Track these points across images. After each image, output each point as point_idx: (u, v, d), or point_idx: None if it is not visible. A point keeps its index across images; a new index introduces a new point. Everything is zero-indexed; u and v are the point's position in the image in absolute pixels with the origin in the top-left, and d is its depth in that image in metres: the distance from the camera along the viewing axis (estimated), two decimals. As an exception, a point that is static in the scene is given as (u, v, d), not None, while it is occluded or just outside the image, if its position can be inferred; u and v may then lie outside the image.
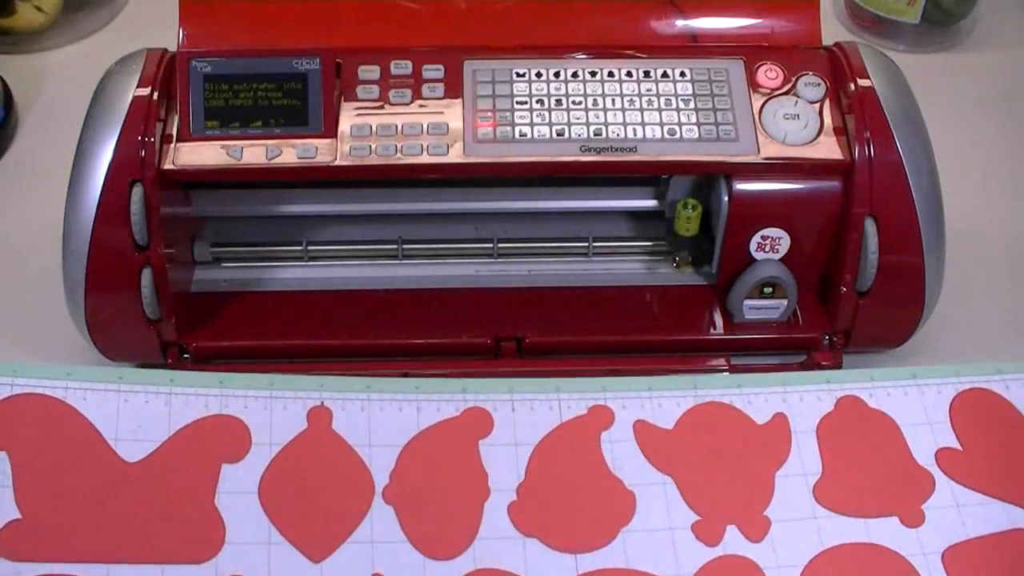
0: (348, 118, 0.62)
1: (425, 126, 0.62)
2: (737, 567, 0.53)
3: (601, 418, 0.57)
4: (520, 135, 0.62)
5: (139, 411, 0.55)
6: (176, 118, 0.61)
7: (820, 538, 0.54)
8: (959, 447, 0.58)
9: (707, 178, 0.65)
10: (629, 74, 0.63)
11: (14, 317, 0.68)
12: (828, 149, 0.62)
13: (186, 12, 0.63)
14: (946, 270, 0.63)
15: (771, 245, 0.63)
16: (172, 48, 0.63)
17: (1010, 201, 0.78)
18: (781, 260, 0.64)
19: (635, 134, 0.62)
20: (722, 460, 0.57)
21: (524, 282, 0.67)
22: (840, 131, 0.63)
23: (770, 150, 0.62)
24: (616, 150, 0.61)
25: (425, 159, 0.61)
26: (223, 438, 0.55)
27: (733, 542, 0.54)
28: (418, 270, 0.68)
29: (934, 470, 0.57)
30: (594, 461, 0.56)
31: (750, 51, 0.65)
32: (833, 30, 0.92)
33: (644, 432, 0.57)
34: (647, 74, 0.64)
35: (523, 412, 0.57)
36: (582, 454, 0.56)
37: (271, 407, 0.55)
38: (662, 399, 0.58)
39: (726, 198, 0.62)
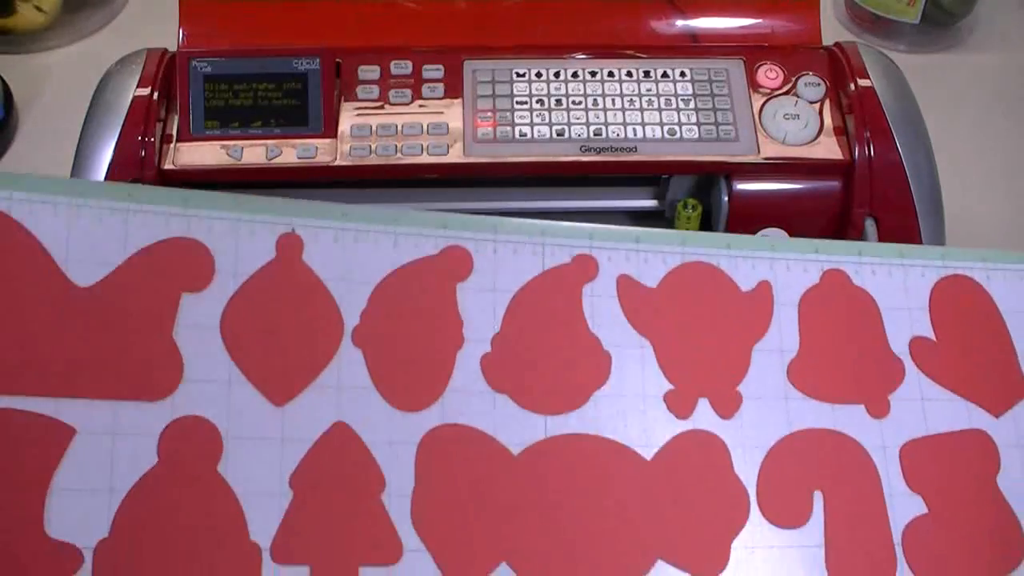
0: (348, 118, 0.62)
1: (425, 126, 0.62)
2: (704, 443, 0.53)
3: (585, 268, 0.55)
4: (520, 135, 0.62)
5: (93, 229, 0.50)
6: (176, 118, 0.62)
7: (788, 420, 0.54)
8: (933, 338, 0.57)
9: (707, 178, 0.65)
10: (629, 74, 0.64)
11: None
12: (828, 149, 0.63)
13: (186, 12, 0.63)
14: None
15: (771, 245, 0.63)
16: (172, 48, 0.63)
17: (1010, 201, 0.78)
18: (781, 259, 0.64)
19: (635, 134, 0.62)
20: (702, 327, 0.55)
21: None
22: (840, 131, 0.63)
23: (770, 150, 0.62)
24: (616, 150, 0.62)
25: (425, 159, 0.61)
26: (184, 264, 0.50)
27: (703, 417, 0.53)
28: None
29: (906, 359, 0.56)
30: (574, 316, 0.54)
31: (750, 51, 0.65)
32: (833, 30, 0.92)
33: (627, 289, 0.55)
34: (647, 74, 0.64)
35: (505, 254, 0.54)
36: (562, 307, 0.54)
37: (238, 231, 0.51)
38: (648, 254, 0.56)
39: (726, 198, 0.62)
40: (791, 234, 0.63)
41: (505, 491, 0.50)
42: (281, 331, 0.51)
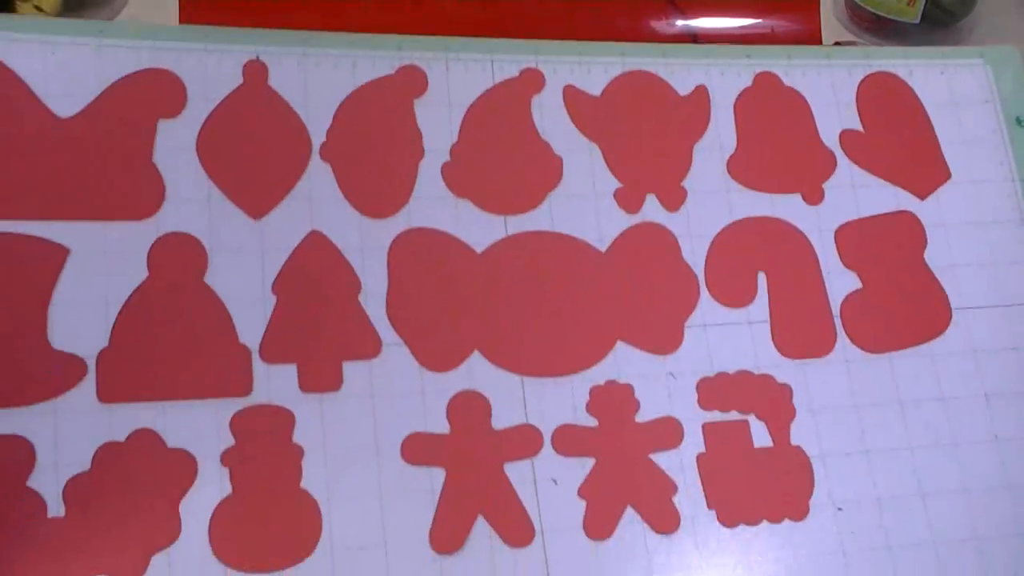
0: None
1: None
2: (654, 234, 0.57)
3: (533, 80, 0.59)
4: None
5: (69, 64, 0.53)
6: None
7: (730, 210, 0.58)
8: (862, 130, 0.61)
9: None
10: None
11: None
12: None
13: (186, 12, 0.63)
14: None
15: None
16: None
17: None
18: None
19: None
20: (645, 130, 0.59)
21: None
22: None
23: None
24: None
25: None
26: (158, 92, 0.54)
27: (652, 210, 0.57)
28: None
29: (837, 151, 0.60)
30: (525, 125, 0.58)
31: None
32: (833, 29, 0.91)
33: (573, 98, 0.59)
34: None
35: (457, 71, 0.58)
36: (513, 117, 0.58)
37: (206, 61, 0.55)
38: (591, 65, 0.59)
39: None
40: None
41: (472, 286, 0.55)
42: (253, 150, 0.54)
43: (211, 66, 0.55)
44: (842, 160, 0.60)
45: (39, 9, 0.62)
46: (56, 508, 0.48)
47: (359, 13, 0.64)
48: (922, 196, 0.61)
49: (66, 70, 0.53)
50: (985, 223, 0.60)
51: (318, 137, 0.55)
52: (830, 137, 0.61)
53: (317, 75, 0.56)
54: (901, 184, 0.60)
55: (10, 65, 0.52)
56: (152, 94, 0.54)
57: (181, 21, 0.61)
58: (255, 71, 0.55)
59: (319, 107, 0.55)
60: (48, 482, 0.48)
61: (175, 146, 0.53)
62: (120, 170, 0.53)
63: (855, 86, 0.62)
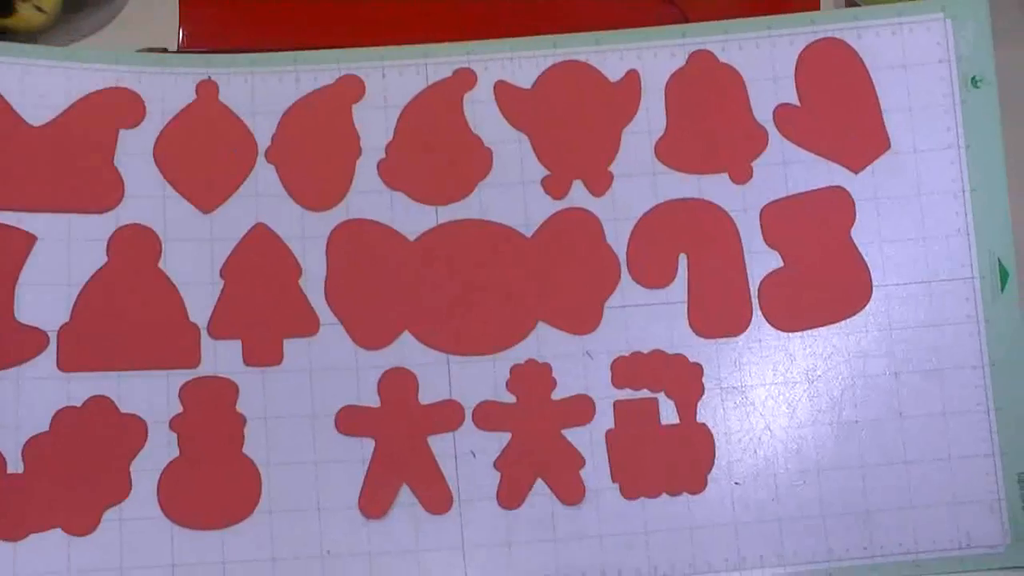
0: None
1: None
2: (578, 219, 0.60)
3: (465, 80, 0.61)
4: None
5: (42, 81, 0.59)
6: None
7: (655, 193, 0.60)
8: (797, 103, 0.61)
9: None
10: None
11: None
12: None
13: (186, 12, 0.65)
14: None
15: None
16: (172, 48, 0.65)
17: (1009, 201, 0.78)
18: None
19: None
20: (574, 118, 0.61)
21: None
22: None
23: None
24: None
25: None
26: (120, 107, 0.60)
27: (578, 196, 0.60)
28: None
29: (770, 127, 0.61)
30: (456, 121, 0.61)
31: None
32: None
33: (504, 92, 0.61)
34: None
35: (393, 77, 0.61)
36: (446, 115, 0.61)
37: (163, 81, 0.60)
38: (522, 59, 0.61)
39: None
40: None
41: (404, 271, 0.59)
42: (204, 154, 0.60)
43: (168, 85, 0.60)
44: (774, 137, 0.61)
45: (39, 9, 0.65)
46: (15, 465, 0.55)
47: (365, 14, 0.66)
48: (856, 169, 0.61)
49: (39, 87, 0.59)
50: (921, 195, 0.61)
51: (264, 141, 0.60)
52: (764, 113, 0.61)
53: (263, 89, 0.60)
54: (835, 158, 0.61)
55: None
56: (114, 108, 0.60)
57: (181, 21, 0.64)
58: (207, 89, 0.60)
59: (265, 116, 0.60)
60: (8, 441, 0.55)
61: (134, 152, 0.59)
62: (84, 171, 0.59)
63: (796, 56, 0.62)
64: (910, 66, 0.62)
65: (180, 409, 0.56)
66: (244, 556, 0.55)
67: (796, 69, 0.62)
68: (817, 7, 0.66)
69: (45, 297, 0.57)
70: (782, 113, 0.61)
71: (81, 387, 0.56)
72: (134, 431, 0.56)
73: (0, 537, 0.54)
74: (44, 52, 0.60)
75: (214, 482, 0.56)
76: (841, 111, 0.61)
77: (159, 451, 0.56)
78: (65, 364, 0.56)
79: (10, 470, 0.55)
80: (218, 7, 0.65)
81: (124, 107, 0.60)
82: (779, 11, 0.63)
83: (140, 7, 0.71)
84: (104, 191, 0.59)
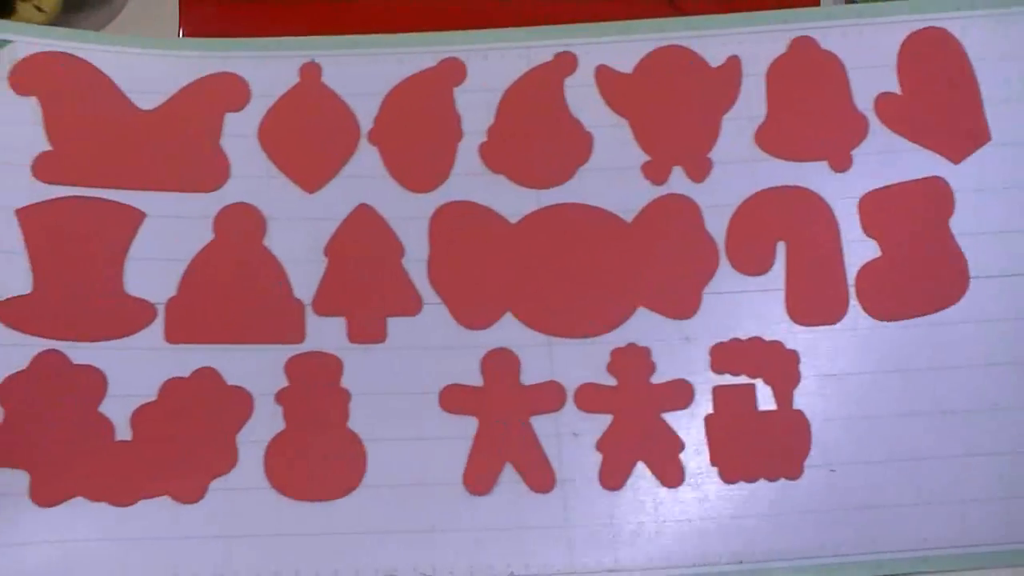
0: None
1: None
2: (678, 205, 0.61)
3: (566, 63, 0.62)
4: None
5: (150, 68, 0.61)
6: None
7: (755, 180, 0.61)
8: (899, 92, 0.62)
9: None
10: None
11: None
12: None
13: (186, 12, 0.65)
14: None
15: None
16: None
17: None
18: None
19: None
20: (674, 103, 0.62)
21: None
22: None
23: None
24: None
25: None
26: (225, 91, 0.62)
27: (677, 182, 0.61)
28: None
29: (870, 115, 0.61)
30: (557, 105, 0.62)
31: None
32: None
33: (604, 76, 0.62)
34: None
35: (495, 60, 0.62)
36: (546, 98, 0.62)
37: (267, 65, 0.62)
38: (623, 43, 0.62)
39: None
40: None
41: (506, 253, 0.60)
42: (308, 136, 0.61)
43: (272, 68, 0.62)
44: (875, 125, 0.61)
45: (39, 9, 0.65)
46: (124, 432, 0.56)
47: (366, 15, 0.66)
48: (956, 160, 0.61)
49: (148, 74, 0.61)
50: (1020, 187, 0.61)
51: (366, 124, 0.61)
52: (864, 101, 0.62)
53: (366, 71, 0.62)
54: (935, 148, 0.61)
55: (102, 69, 0.61)
56: (219, 92, 0.61)
57: (181, 21, 0.65)
58: (310, 71, 0.62)
59: (367, 98, 0.61)
60: (117, 409, 0.57)
61: (239, 133, 0.60)
62: (190, 152, 0.60)
63: (898, 44, 0.62)
64: (1013, 57, 0.62)
65: (286, 383, 0.57)
66: (349, 529, 0.56)
67: (898, 57, 0.62)
68: (817, 5, 0.67)
69: (153, 271, 0.58)
70: (883, 101, 0.62)
71: (188, 358, 0.57)
72: (240, 403, 0.57)
73: (110, 502, 0.55)
74: (152, 41, 0.62)
75: (320, 455, 0.57)
76: (942, 101, 0.62)
77: (265, 423, 0.57)
78: (172, 336, 0.58)
79: (119, 437, 0.56)
80: (218, 7, 0.66)
81: (229, 91, 0.61)
82: (778, 7, 0.64)
83: (140, 7, 0.72)
84: (211, 172, 0.60)
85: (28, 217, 0.58)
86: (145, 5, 0.70)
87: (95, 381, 0.57)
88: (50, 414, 0.56)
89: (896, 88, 0.62)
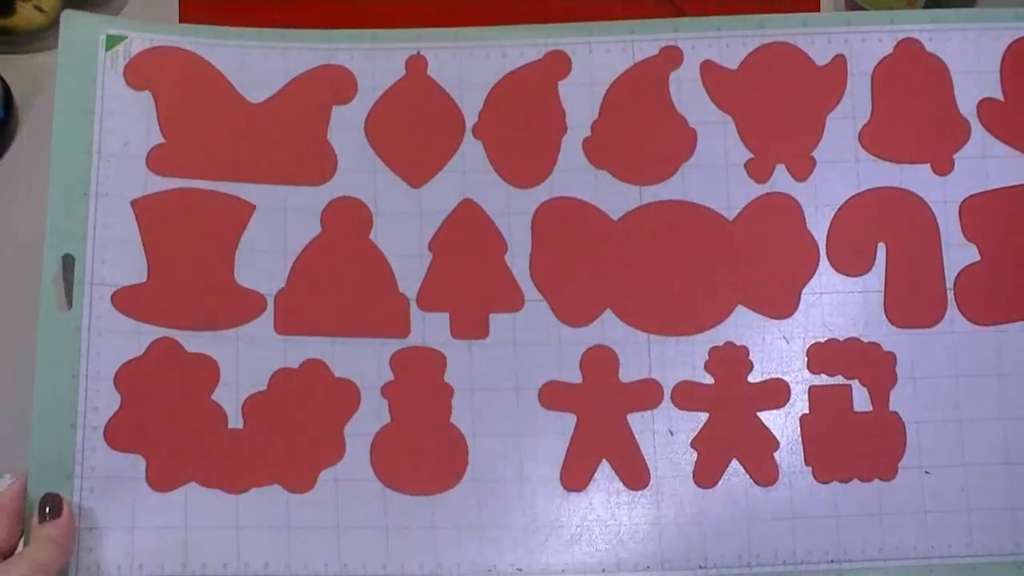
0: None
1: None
2: (780, 204, 0.61)
3: (671, 58, 0.62)
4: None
5: (260, 62, 0.61)
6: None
7: (858, 180, 0.61)
8: (1002, 98, 0.61)
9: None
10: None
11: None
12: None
13: (186, 12, 0.65)
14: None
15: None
16: None
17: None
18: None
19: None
20: (779, 101, 0.62)
21: None
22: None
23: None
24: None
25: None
26: (332, 84, 0.62)
27: (780, 180, 0.61)
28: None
29: (973, 120, 0.61)
30: (661, 100, 0.62)
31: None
32: None
33: (709, 72, 0.62)
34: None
35: (599, 54, 0.62)
36: (651, 93, 0.62)
37: (373, 57, 0.62)
38: (729, 39, 0.62)
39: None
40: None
41: (607, 250, 0.60)
42: (414, 130, 0.61)
43: (378, 60, 0.62)
44: (977, 130, 0.61)
45: (39, 9, 0.65)
46: (235, 421, 0.59)
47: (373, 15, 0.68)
48: None
49: (257, 67, 0.61)
50: None
51: (471, 118, 0.61)
52: (967, 106, 0.62)
53: (471, 64, 0.62)
54: None
55: (213, 64, 0.61)
56: (327, 85, 0.61)
57: (181, 21, 0.65)
58: (416, 64, 0.62)
59: (472, 91, 0.61)
60: (229, 397, 0.59)
61: (346, 127, 0.61)
62: (299, 145, 0.61)
63: (1002, 51, 0.62)
64: None
65: (391, 377, 0.59)
66: (452, 523, 0.58)
67: (1002, 63, 0.62)
68: (816, 8, 0.67)
69: (263, 263, 0.60)
70: (986, 107, 0.61)
71: (297, 350, 0.59)
72: (347, 395, 0.59)
73: (222, 489, 0.58)
74: (260, 35, 0.62)
75: (424, 449, 0.59)
76: None
77: (371, 416, 0.59)
78: (282, 327, 0.59)
79: (230, 425, 0.58)
80: (218, 8, 0.66)
81: (336, 83, 0.62)
82: (777, 10, 0.64)
83: (140, 7, 0.72)
84: (318, 165, 0.61)
85: (143, 208, 0.60)
86: (145, 5, 0.70)
87: (208, 369, 0.59)
88: (165, 400, 0.58)
89: (999, 94, 0.62)
